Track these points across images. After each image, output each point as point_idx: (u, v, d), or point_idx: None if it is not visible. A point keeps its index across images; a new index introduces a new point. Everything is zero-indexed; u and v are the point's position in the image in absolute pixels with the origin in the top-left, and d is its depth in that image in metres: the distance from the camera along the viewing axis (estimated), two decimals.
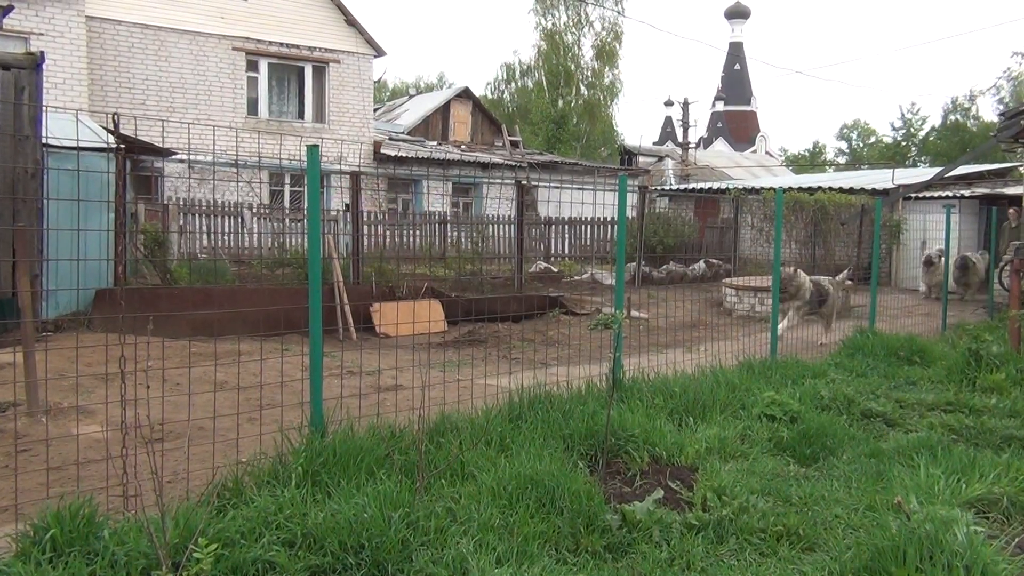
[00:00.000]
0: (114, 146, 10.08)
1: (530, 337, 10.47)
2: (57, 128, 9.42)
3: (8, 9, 7.89)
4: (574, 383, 6.34)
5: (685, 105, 41.98)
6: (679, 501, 4.66)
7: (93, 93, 20.12)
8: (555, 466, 4.57)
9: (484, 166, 27.22)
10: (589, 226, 22.45)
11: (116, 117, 4.45)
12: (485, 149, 30.94)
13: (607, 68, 45.62)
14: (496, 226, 21.35)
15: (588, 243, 22.70)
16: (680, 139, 43.34)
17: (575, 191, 8.63)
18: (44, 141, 9.42)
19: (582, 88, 45.56)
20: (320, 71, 24.61)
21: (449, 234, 21.47)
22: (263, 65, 23.66)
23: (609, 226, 22.17)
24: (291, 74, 24.54)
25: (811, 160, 73.24)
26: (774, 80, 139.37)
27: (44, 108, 6.56)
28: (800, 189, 21.56)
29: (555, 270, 19.24)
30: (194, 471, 4.74)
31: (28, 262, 6.92)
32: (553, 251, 22.27)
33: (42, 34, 18.38)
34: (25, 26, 18.00)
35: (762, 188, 23.41)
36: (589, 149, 45.27)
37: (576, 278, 18.12)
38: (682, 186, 30.72)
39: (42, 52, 10.12)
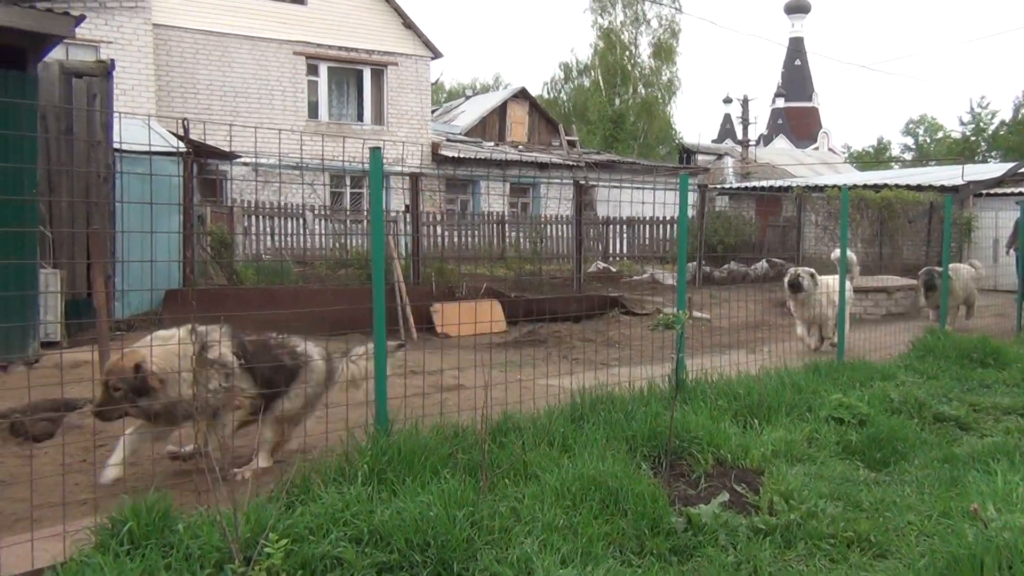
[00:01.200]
0: (183, 150, 10.34)
1: (590, 337, 10.43)
2: (127, 133, 9.70)
3: (80, 19, 8.14)
4: (636, 384, 6.30)
5: (745, 102, 41.41)
6: (745, 504, 4.59)
7: (160, 99, 20.67)
8: (618, 467, 4.54)
9: (541, 166, 27.22)
10: (648, 225, 22.28)
11: (186, 122, 4.58)
12: (542, 149, 30.94)
13: (664, 66, 45.27)
14: (554, 226, 21.33)
15: (647, 243, 22.53)
16: (740, 137, 42.75)
17: (633, 190, 8.59)
18: (115, 146, 9.71)
19: (639, 86, 45.28)
20: (378, 74, 24.89)
21: (507, 234, 21.52)
22: (323, 69, 24.03)
23: (668, 225, 21.98)
24: (350, 77, 24.87)
25: (876, 157, 71.57)
26: (836, 75, 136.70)
27: (117, 114, 6.69)
28: (865, 186, 21.09)
29: (614, 270, 19.15)
30: (264, 468, 4.83)
31: (102, 263, 7.13)
32: (612, 251, 22.16)
33: (111, 42, 18.95)
34: (95, 35, 18.58)
35: (826, 186, 22.95)
36: (647, 148, 44.95)
37: (635, 278, 18.00)
38: (742, 184, 30.29)
39: (112, 60, 10.44)
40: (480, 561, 3.53)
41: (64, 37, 8.08)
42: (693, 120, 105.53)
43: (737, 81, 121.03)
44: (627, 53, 44.85)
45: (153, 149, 9.10)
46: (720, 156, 41.51)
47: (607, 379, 6.33)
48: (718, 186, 29.31)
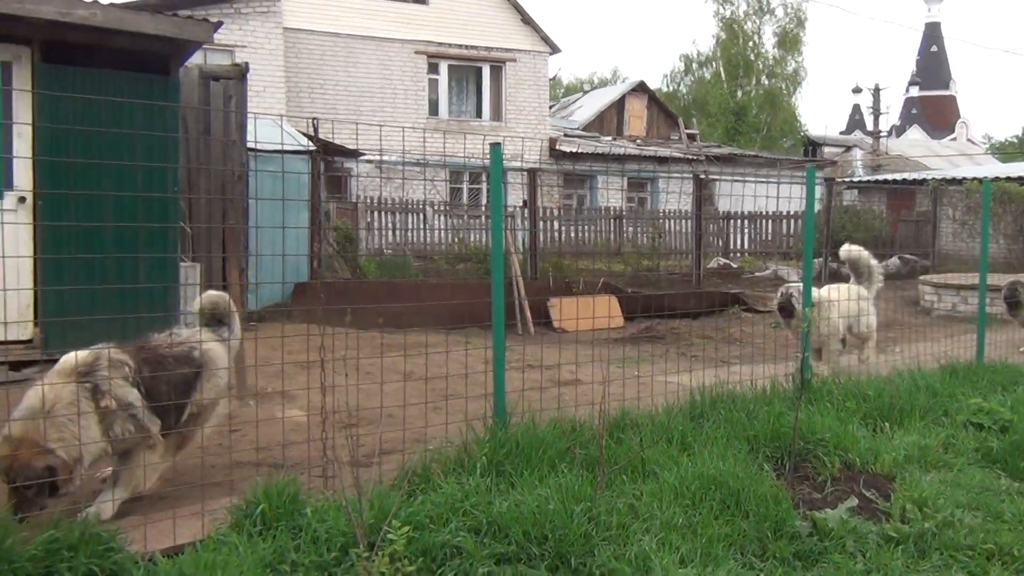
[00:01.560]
0: (312, 149, 10.74)
1: (709, 334, 10.23)
2: (259, 133, 10.14)
3: (218, 25, 8.55)
4: (758, 383, 6.13)
5: (875, 92, 39.66)
6: (874, 511, 4.41)
7: (289, 99, 21.51)
8: (740, 467, 4.44)
9: (660, 160, 26.86)
10: (770, 220, 21.65)
11: (315, 121, 4.74)
12: (661, 143, 30.52)
13: (790, 55, 43.85)
14: (673, 221, 21.02)
15: (769, 238, 21.90)
16: (870, 128, 40.94)
17: (757, 184, 8.35)
18: (249, 145, 10.16)
19: (763, 77, 44.01)
20: (497, 70, 25.13)
21: (625, 229, 21.35)
22: (443, 67, 24.45)
23: (792, 220, 21.29)
24: (469, 75, 25.21)
25: (1020, 147, 67.13)
26: (977, 61, 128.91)
27: (251, 115, 7.01)
28: (1008, 179, 19.81)
29: (734, 266, 18.71)
30: (385, 456, 4.97)
31: (237, 257, 7.48)
32: (732, 246, 21.66)
33: (245, 46, 19.85)
34: (230, 40, 19.50)
35: (964, 178, 21.70)
36: (770, 141, 43.64)
37: (757, 274, 17.53)
38: (873, 177, 29.00)
39: (247, 63, 10.92)
40: (598, 557, 3.53)
41: (203, 43, 8.51)
42: (819, 111, 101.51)
43: (867, 69, 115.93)
44: (750, 43, 43.68)
45: (284, 148, 9.50)
46: (848, 148, 39.87)
47: (727, 377, 6.19)
48: (846, 179, 28.17)
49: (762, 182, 8.50)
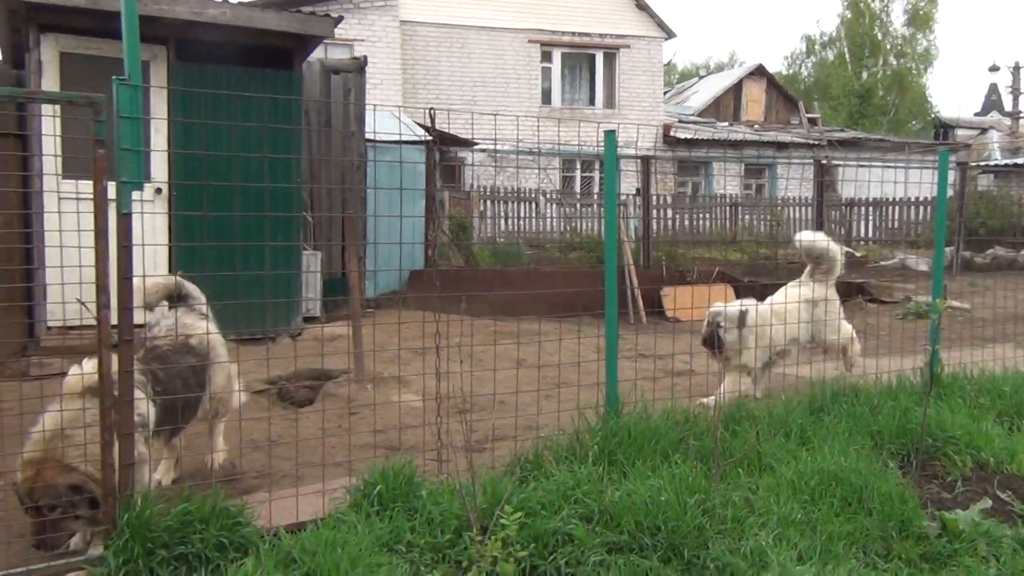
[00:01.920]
0: (429, 139, 10.93)
1: None
2: (377, 124, 10.38)
3: (338, 20, 8.81)
4: (883, 376, 5.88)
5: (1015, 70, 37.15)
6: (1010, 514, 4.17)
7: (405, 91, 21.94)
8: (862, 464, 4.28)
9: (779, 146, 26.04)
10: (897, 207, 20.69)
11: (432, 112, 4.82)
12: (780, 128, 29.57)
13: (920, 33, 41.66)
14: (792, 208, 20.36)
15: (896, 226, 20.94)
16: (1009, 108, 38.46)
17: (884, 169, 7.97)
18: (368, 136, 10.43)
19: (890, 57, 42.00)
20: (611, 57, 24.89)
21: (741, 217, 20.84)
22: (556, 55, 24.40)
23: (922, 207, 20.28)
24: (582, 62, 25.07)
25: None
26: None
27: (369, 107, 7.18)
28: None
29: (858, 255, 17.98)
30: (497, 442, 5.03)
31: (356, 245, 7.71)
32: (856, 234, 20.82)
33: (363, 40, 20.36)
34: (350, 34, 20.03)
35: None
36: (897, 123, 41.62)
37: (882, 263, 16.80)
38: (1012, 161, 27.27)
39: (365, 56, 11.20)
40: (712, 550, 3.47)
41: (325, 38, 8.78)
42: (952, 92, 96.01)
43: (1006, 46, 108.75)
44: (877, 22, 41.72)
45: (402, 138, 9.70)
46: (984, 130, 37.55)
47: (849, 370, 5.97)
48: (982, 163, 26.59)
49: (889, 167, 8.10)
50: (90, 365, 3.54)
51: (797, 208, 20.34)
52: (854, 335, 6.76)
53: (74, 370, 3.68)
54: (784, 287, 6.77)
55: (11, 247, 7.15)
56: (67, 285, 3.55)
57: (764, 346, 6.17)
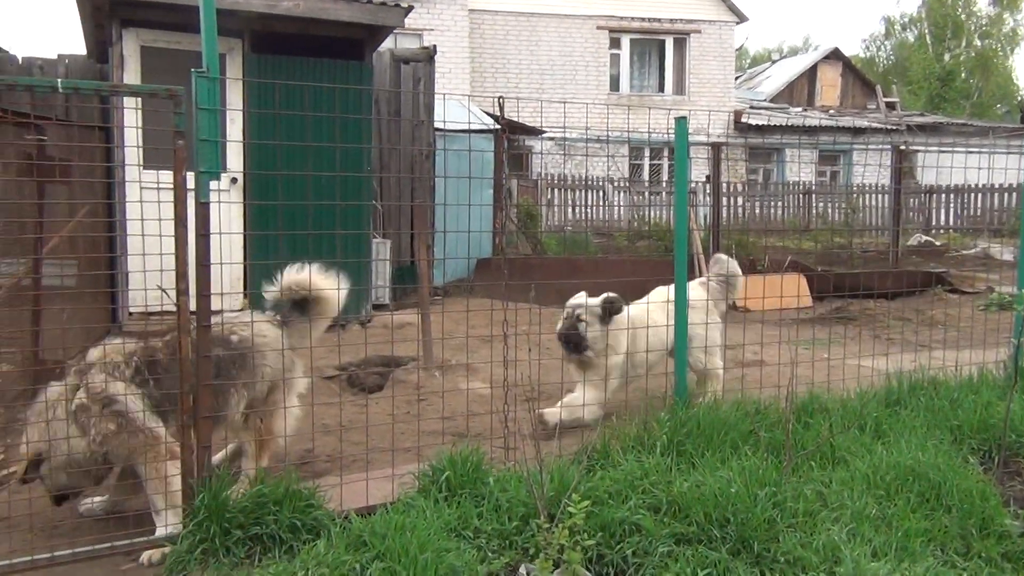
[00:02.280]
0: (497, 127, 10.94)
1: (907, 316, 9.59)
2: (445, 113, 10.44)
3: (408, 10, 8.87)
4: (963, 369, 5.69)
5: None
6: None
7: (473, 80, 22.01)
8: (941, 459, 4.15)
9: (855, 131, 25.34)
10: (980, 194, 19.94)
11: (501, 100, 4.81)
12: (856, 113, 28.76)
13: (1006, 13, 39.96)
14: (868, 195, 19.81)
15: (979, 214, 20.19)
16: None
17: (964, 155, 7.65)
18: (436, 125, 10.50)
19: (974, 39, 40.41)
20: (680, 43, 24.53)
21: (814, 205, 20.36)
22: (625, 41, 24.15)
23: (1006, 193, 19.51)
24: (651, 48, 24.76)
25: None
26: None
27: (439, 96, 7.22)
28: None
29: (937, 243, 17.41)
30: (564, 431, 5.03)
31: (424, 234, 7.78)
32: (935, 222, 20.15)
33: (432, 29, 20.48)
34: (419, 23, 20.16)
35: None
36: (981, 107, 40.06)
37: (963, 252, 16.23)
38: None
39: (434, 46, 11.26)
40: (782, 544, 3.41)
41: (395, 27, 8.86)
42: None
43: None
44: (961, 2, 40.17)
45: (471, 127, 9.74)
46: None
47: (928, 362, 5.79)
48: None
49: (972, 152, 7.80)
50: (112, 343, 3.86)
51: (873, 195, 19.78)
52: (719, 367, 5.75)
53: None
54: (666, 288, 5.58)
55: (96, 236, 7.42)
56: (148, 272, 3.67)
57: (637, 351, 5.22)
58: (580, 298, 5.44)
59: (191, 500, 3.55)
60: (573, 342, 5.25)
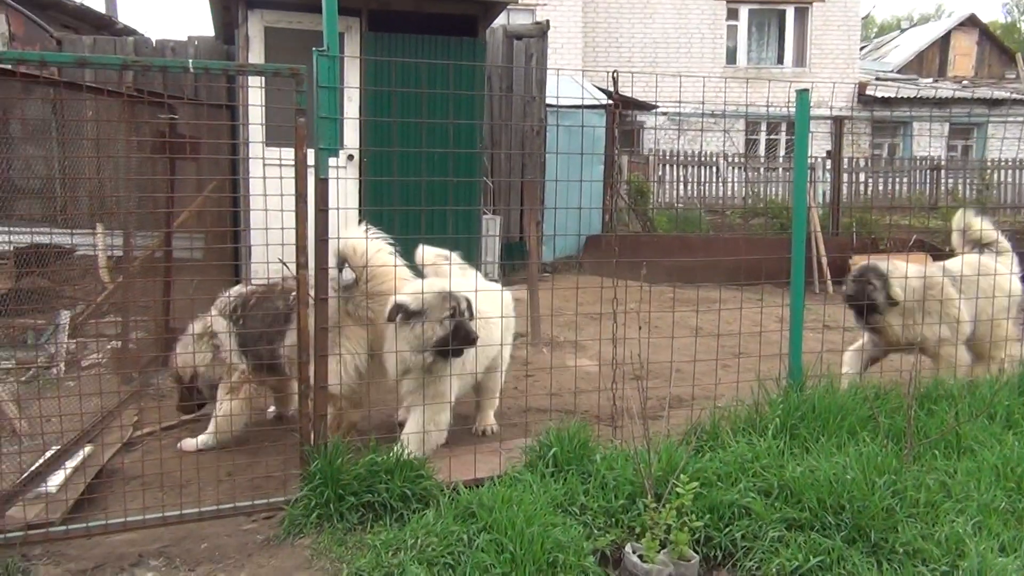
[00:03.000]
0: (609, 103, 10.83)
1: None
2: (557, 88, 10.38)
3: None
4: None
5: None
6: None
7: (586, 54, 21.78)
8: None
9: (991, 103, 23.82)
10: None
11: (615, 75, 4.74)
12: (993, 83, 27.02)
13: None
14: (1004, 171, 18.64)
15: None
16: None
17: None
18: (548, 101, 10.47)
19: None
20: (802, 12, 23.57)
21: (944, 181, 19.31)
22: (743, 12, 23.39)
23: None
24: (771, 18, 23.89)
25: None
26: None
27: (553, 71, 7.19)
28: None
29: None
30: (673, 411, 4.97)
31: (534, 210, 7.79)
32: None
33: (545, 4, 20.34)
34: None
35: None
36: None
37: None
38: None
39: (547, 21, 11.20)
40: (902, 534, 3.28)
41: (509, 3, 8.86)
42: None
43: None
44: None
45: (583, 103, 9.67)
46: None
47: None
48: None
49: None
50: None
51: (1010, 171, 18.59)
52: None
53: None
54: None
55: (222, 211, 7.75)
56: (270, 246, 3.81)
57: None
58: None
59: (306, 466, 3.70)
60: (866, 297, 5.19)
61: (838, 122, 12.50)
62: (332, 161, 3.72)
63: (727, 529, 3.37)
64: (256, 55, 8.12)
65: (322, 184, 3.68)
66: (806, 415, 4.28)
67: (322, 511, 3.55)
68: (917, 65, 28.54)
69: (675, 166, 18.74)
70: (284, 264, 3.87)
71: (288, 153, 3.67)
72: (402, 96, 7.34)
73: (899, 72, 27.67)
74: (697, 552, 3.24)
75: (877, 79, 25.34)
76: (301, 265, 3.69)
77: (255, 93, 7.71)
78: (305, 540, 3.47)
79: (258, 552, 3.42)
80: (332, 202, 3.72)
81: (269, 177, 3.80)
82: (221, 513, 3.67)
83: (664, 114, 19.18)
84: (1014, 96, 24.42)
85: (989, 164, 18.97)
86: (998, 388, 4.81)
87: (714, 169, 19.03)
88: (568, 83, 12.43)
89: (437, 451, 4.16)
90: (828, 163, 13.86)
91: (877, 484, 3.49)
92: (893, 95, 23.44)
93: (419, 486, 3.67)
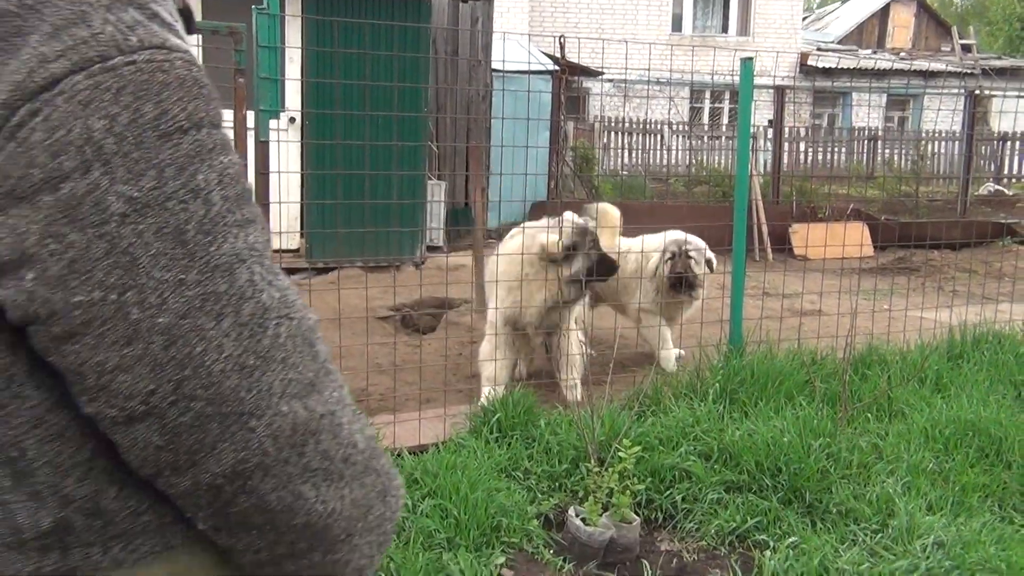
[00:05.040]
0: (556, 68, 10.78)
1: (973, 268, 9.31)
2: (502, 52, 10.28)
3: None
4: None
5: None
6: None
7: (532, 19, 21.61)
8: (1003, 415, 4.06)
9: (927, 75, 24.34)
10: None
11: (562, 39, 4.71)
12: (929, 56, 27.58)
13: None
14: (937, 142, 19.12)
15: None
16: None
17: None
18: (494, 66, 10.36)
19: None
20: None
21: (880, 151, 19.74)
22: None
23: None
24: None
25: None
26: None
27: (500, 35, 7.11)
28: None
29: (1009, 193, 16.81)
30: (616, 376, 5.03)
31: (479, 176, 7.75)
32: (1008, 171, 19.40)
33: None
34: None
35: None
36: None
37: None
38: None
39: None
40: (835, 495, 3.39)
41: None
42: None
43: None
44: None
45: (530, 68, 9.60)
46: None
47: (995, 316, 5.63)
48: None
49: None
50: None
51: (943, 142, 19.08)
52: None
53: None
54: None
55: None
56: None
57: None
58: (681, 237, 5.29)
59: None
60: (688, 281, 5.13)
61: (780, 91, 12.66)
62: (273, 123, 3.64)
63: (668, 492, 3.44)
64: (193, 12, 7.87)
65: (262, 147, 3.60)
66: (745, 380, 4.37)
67: None
68: (857, 36, 28.98)
69: (620, 133, 18.79)
70: None
71: (227, 115, 3.57)
72: (347, 57, 7.20)
73: (840, 43, 28.06)
74: (639, 514, 3.29)
75: (818, 49, 25.67)
76: None
77: (192, 52, 7.47)
78: None
79: None
80: (273, 166, 3.65)
81: None
82: None
83: (610, 81, 19.19)
84: (949, 68, 25.01)
85: (924, 135, 19.44)
86: (928, 353, 4.97)
87: (659, 137, 19.14)
88: (514, 47, 12.33)
89: (381, 418, 4.14)
90: (770, 132, 14.06)
91: (813, 447, 3.59)
92: (834, 66, 23.79)
93: None
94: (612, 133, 18.58)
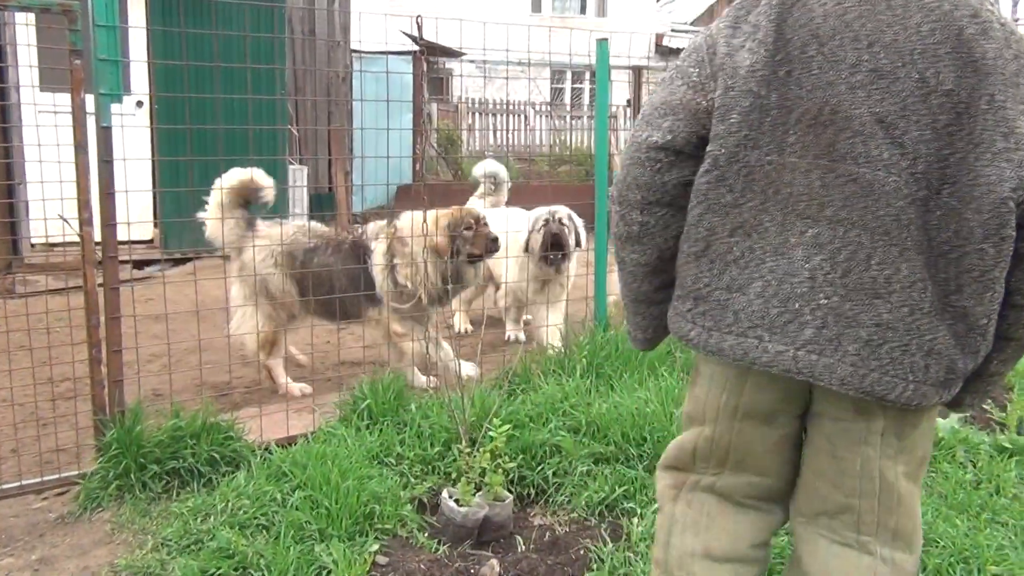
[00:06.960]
0: (416, 49, 10.67)
1: None
2: (360, 33, 10.09)
3: None
4: None
5: None
6: (988, 421, 4.26)
7: None
8: None
9: None
10: None
11: (419, 19, 4.66)
12: None
13: None
14: None
15: None
16: None
17: None
18: (353, 47, 10.17)
19: None
20: None
21: None
22: None
23: None
24: None
25: None
26: None
27: (357, 14, 6.96)
28: None
29: None
30: (485, 357, 5.07)
31: (342, 159, 7.60)
32: None
33: None
34: None
35: None
36: None
37: None
38: None
39: None
40: None
41: None
42: None
43: None
44: None
45: (388, 49, 9.47)
46: None
47: None
48: None
49: None
50: None
51: None
52: None
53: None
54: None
55: None
56: (48, 201, 3.50)
57: None
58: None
59: (101, 436, 3.47)
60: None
61: (637, 71, 13.01)
62: (116, 108, 3.44)
63: (539, 467, 3.50)
64: None
65: (104, 133, 3.40)
66: (611, 354, 4.50)
67: (122, 482, 3.36)
68: (708, 18, 30.05)
69: (484, 114, 18.84)
70: (64, 220, 3.57)
71: (64, 99, 3.34)
72: (197, 38, 6.88)
73: (692, 24, 29.07)
74: (511, 491, 3.34)
75: (673, 31, 26.50)
76: (85, 222, 3.41)
77: (24, 32, 6.97)
78: (105, 514, 3.27)
79: (51, 531, 3.19)
80: (118, 152, 3.44)
81: (44, 125, 3.45)
82: (5, 493, 3.39)
83: (471, 62, 19.18)
84: None
85: None
86: None
87: (522, 117, 19.31)
88: (373, 28, 12.12)
89: (247, 412, 4.02)
90: (629, 111, 14.44)
91: (675, 414, 3.73)
92: (686, 46, 24.60)
93: (228, 448, 3.54)
94: (476, 114, 18.60)
